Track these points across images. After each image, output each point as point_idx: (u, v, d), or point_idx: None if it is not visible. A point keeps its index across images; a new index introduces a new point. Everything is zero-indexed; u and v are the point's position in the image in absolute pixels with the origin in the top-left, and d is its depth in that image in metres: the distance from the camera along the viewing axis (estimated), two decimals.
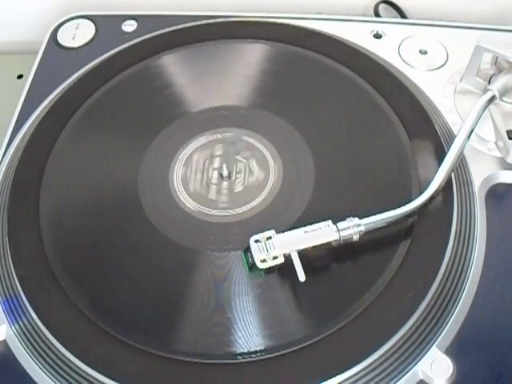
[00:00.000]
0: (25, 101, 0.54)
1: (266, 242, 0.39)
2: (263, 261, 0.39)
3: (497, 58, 0.48)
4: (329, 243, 0.40)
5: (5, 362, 0.39)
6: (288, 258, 0.39)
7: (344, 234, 0.40)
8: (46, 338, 0.39)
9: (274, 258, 0.39)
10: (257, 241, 0.40)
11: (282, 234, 0.40)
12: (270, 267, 0.39)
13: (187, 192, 0.46)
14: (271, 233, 0.40)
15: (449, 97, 0.50)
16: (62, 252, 0.43)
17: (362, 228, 0.40)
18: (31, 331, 0.40)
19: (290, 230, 0.40)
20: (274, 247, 0.39)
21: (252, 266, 0.40)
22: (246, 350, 0.38)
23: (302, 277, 0.38)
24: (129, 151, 0.49)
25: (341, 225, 0.40)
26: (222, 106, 0.51)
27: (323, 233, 0.40)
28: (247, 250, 0.40)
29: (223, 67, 0.54)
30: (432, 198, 0.41)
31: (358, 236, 0.40)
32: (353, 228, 0.40)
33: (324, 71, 0.52)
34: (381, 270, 0.40)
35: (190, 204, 0.46)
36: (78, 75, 0.55)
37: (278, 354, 0.37)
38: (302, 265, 0.38)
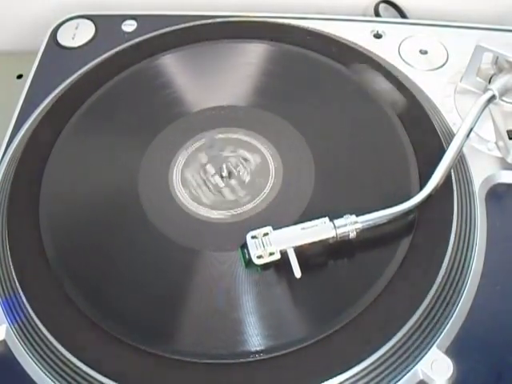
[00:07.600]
0: (25, 101, 0.54)
1: (263, 238, 0.39)
2: (259, 257, 0.39)
3: (497, 57, 0.48)
4: (326, 240, 0.40)
5: (4, 362, 0.39)
6: (285, 254, 0.39)
7: (341, 231, 0.40)
8: (46, 337, 0.39)
9: (271, 254, 0.39)
10: (253, 237, 0.40)
11: (278, 231, 0.40)
12: (266, 263, 0.39)
13: (187, 192, 0.46)
14: (268, 229, 0.40)
15: (449, 97, 0.50)
16: (61, 252, 0.43)
17: (359, 225, 0.40)
18: (31, 331, 0.40)
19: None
20: (271, 243, 0.39)
21: (249, 262, 0.40)
22: (245, 350, 0.38)
23: (297, 273, 0.38)
24: (129, 151, 0.49)
25: (338, 222, 0.40)
26: (222, 106, 0.51)
27: (320, 229, 0.40)
28: (244, 245, 0.40)
29: (223, 67, 0.54)
30: (430, 195, 0.41)
31: (354, 233, 0.40)
32: (349, 225, 0.40)
33: (324, 71, 0.52)
34: (381, 270, 0.40)
35: (189, 204, 0.46)
36: (78, 75, 0.55)
37: (278, 353, 0.37)
38: (301, 263, 0.38)
